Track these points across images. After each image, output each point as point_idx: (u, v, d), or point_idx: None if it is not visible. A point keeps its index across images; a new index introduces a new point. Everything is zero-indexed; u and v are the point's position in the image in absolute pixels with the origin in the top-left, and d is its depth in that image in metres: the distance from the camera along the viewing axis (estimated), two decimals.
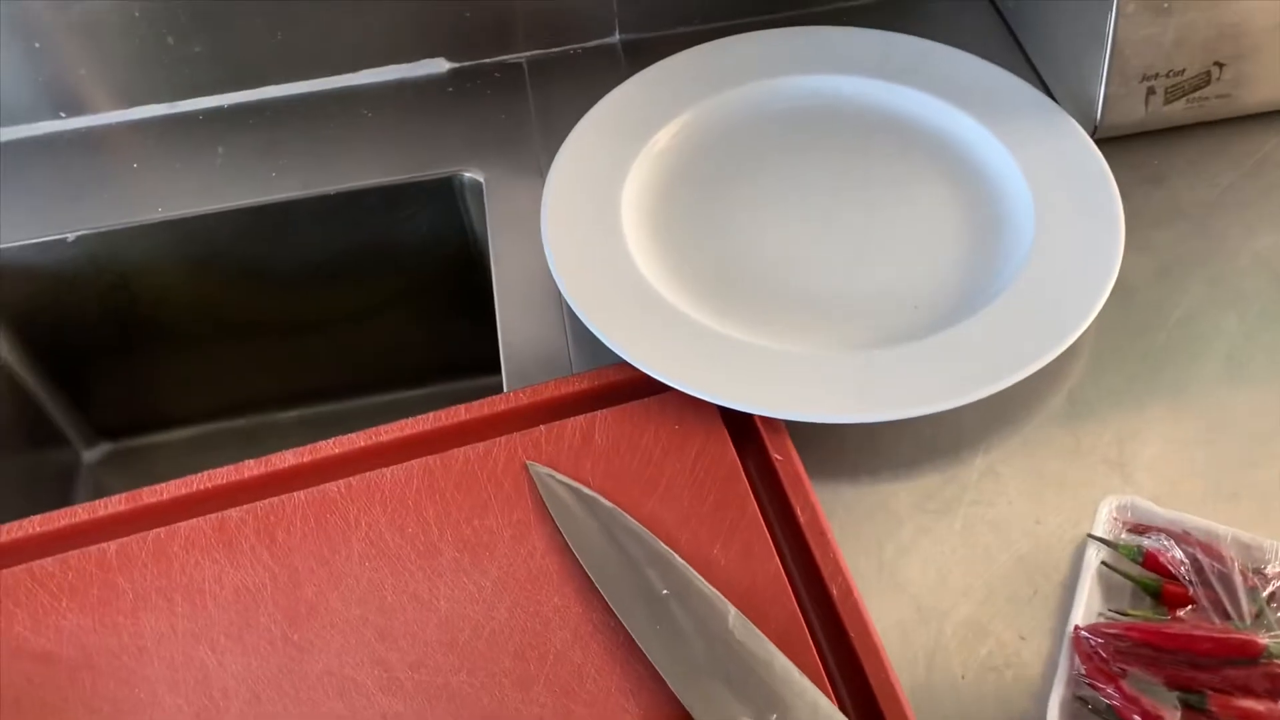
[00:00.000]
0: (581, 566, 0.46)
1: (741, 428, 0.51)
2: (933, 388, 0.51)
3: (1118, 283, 0.54)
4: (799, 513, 0.48)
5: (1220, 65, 0.61)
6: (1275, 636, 0.41)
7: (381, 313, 0.74)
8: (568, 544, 0.47)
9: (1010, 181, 0.60)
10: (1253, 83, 0.62)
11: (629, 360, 0.52)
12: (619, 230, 0.59)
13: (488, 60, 0.73)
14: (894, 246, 0.59)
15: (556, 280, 0.56)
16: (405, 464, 0.50)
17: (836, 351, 0.53)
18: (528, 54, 0.73)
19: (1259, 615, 0.42)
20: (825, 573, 0.46)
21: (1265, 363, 0.54)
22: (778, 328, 0.55)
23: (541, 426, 0.51)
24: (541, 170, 0.63)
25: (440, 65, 0.73)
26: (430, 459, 0.50)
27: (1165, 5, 0.57)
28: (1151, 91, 0.61)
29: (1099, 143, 0.61)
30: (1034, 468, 0.51)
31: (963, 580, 0.48)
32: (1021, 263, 0.55)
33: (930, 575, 0.48)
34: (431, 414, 0.52)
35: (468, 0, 0.71)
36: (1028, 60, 0.68)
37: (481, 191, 0.66)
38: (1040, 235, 0.56)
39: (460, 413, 0.52)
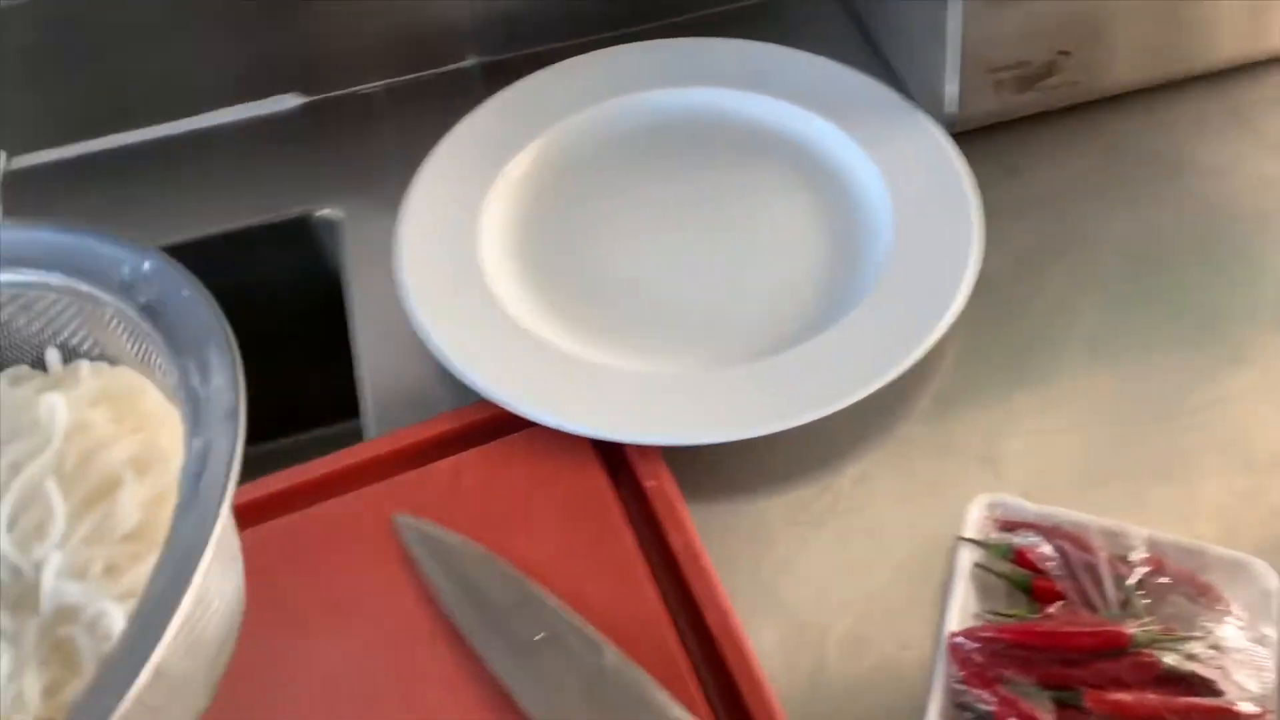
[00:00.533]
0: (453, 618, 0.45)
1: (614, 455, 0.50)
2: (801, 399, 0.50)
3: (980, 278, 0.54)
4: (674, 540, 0.47)
5: (1065, 53, 0.61)
6: (1142, 625, 0.41)
7: None
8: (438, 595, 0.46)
9: (868, 184, 0.60)
10: (1099, 68, 0.62)
11: (490, 397, 0.51)
12: (476, 260, 0.57)
13: (341, 92, 0.71)
14: (757, 258, 0.58)
15: (411, 317, 0.55)
16: (263, 525, 0.48)
17: (705, 370, 0.53)
18: (383, 83, 0.72)
19: (1126, 603, 0.43)
20: (702, 601, 0.45)
21: (1127, 345, 0.54)
22: (645, 350, 0.54)
23: (408, 474, 0.50)
24: (401, 203, 0.62)
25: (292, 101, 0.71)
26: (290, 518, 0.48)
27: None
28: (1001, 83, 0.62)
29: (958, 137, 0.62)
30: (906, 471, 0.51)
31: (842, 593, 0.47)
32: (882, 267, 0.55)
33: (810, 591, 0.47)
34: (288, 470, 0.50)
35: (315, 31, 0.69)
36: (884, 61, 0.68)
37: (340, 229, 0.64)
38: (900, 237, 0.56)
39: (319, 467, 0.50)
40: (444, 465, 0.50)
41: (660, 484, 0.48)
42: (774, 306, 0.56)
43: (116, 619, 0.34)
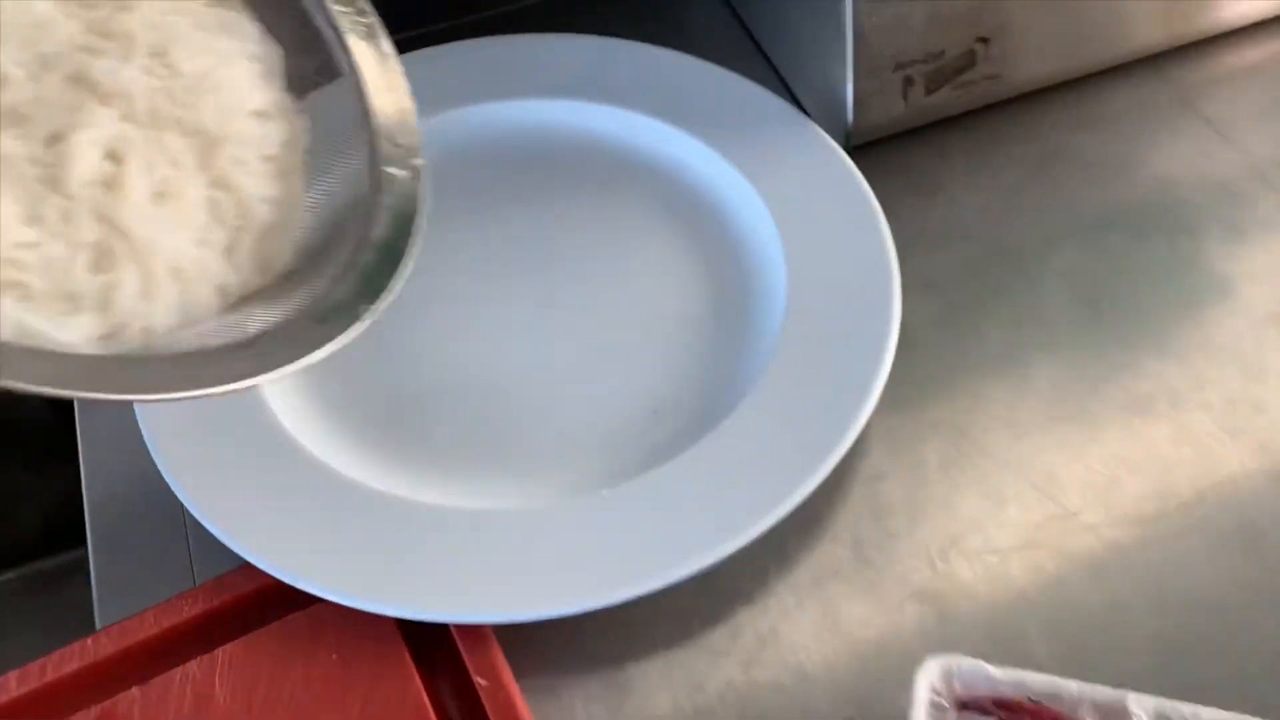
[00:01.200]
0: None
1: (429, 640, 0.36)
2: (683, 538, 0.37)
3: (901, 334, 0.42)
4: None
5: (984, 41, 0.49)
6: None
7: None
8: None
9: (753, 221, 0.46)
10: (1022, 57, 0.50)
11: (255, 561, 0.37)
12: None
13: None
14: (613, 335, 0.44)
15: (147, 442, 0.40)
16: None
17: (553, 501, 0.39)
18: None
19: None
20: None
21: (1094, 410, 0.43)
22: (473, 476, 0.40)
23: (135, 689, 0.35)
24: None
25: None
26: None
27: None
28: (909, 81, 0.49)
29: (857, 150, 0.49)
30: (828, 622, 0.38)
31: None
32: (774, 336, 0.42)
33: None
34: None
35: None
36: (768, 61, 0.55)
37: None
38: (795, 293, 0.43)
39: (8, 684, 0.35)
40: (190, 670, 0.35)
41: (495, 681, 0.35)
42: (644, 397, 0.42)
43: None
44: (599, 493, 0.39)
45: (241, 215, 0.34)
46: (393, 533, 0.38)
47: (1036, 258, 0.47)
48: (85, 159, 0.32)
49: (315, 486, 0.39)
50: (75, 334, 0.30)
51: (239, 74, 0.36)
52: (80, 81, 0.33)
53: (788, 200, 0.46)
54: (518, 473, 0.41)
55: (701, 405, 0.42)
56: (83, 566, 0.42)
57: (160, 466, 0.39)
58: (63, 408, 0.47)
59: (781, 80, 0.54)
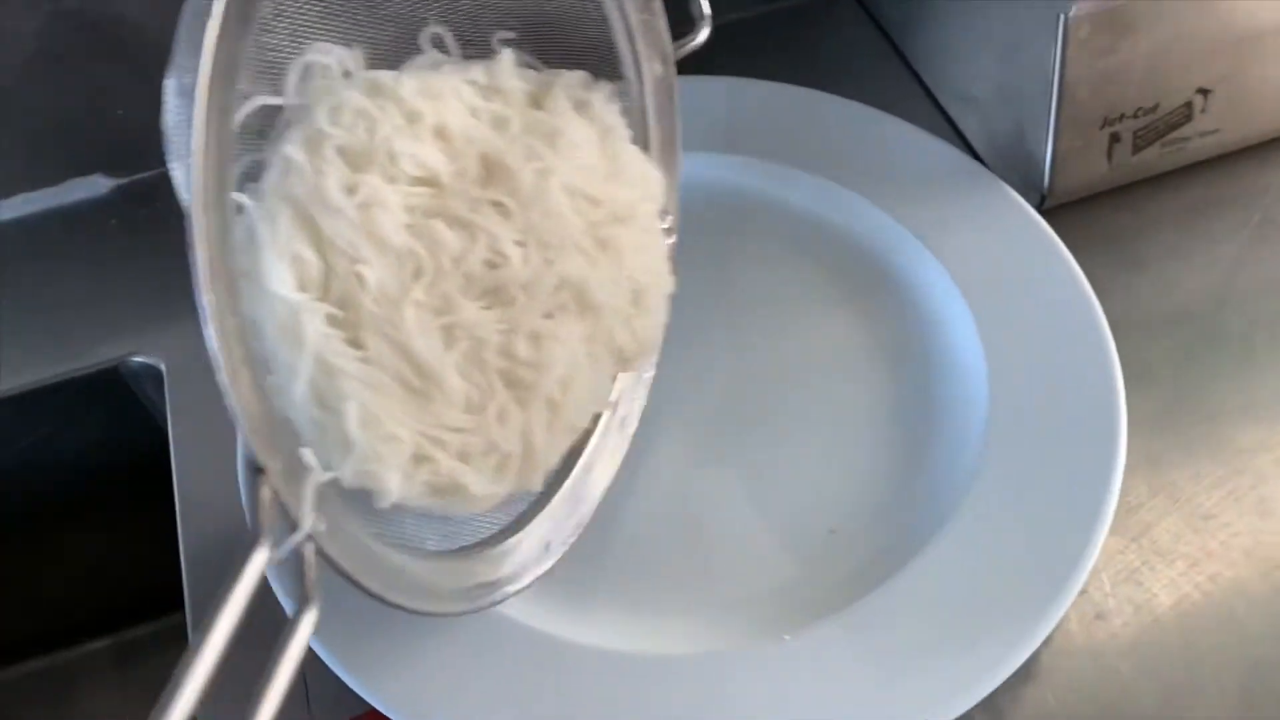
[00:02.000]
0: None
1: None
2: (895, 695, 0.31)
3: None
4: None
5: (1204, 92, 0.42)
6: None
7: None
8: None
9: (939, 299, 0.40)
10: (1245, 109, 0.44)
11: (382, 707, 0.32)
12: None
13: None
14: (793, 432, 0.39)
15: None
16: None
17: (736, 644, 0.33)
18: None
19: None
20: None
21: None
22: (631, 615, 0.35)
23: None
24: None
25: (99, 185, 0.50)
26: None
27: (1129, 21, 0.39)
28: (1115, 139, 0.43)
29: (1048, 214, 0.43)
30: None
31: None
32: (978, 442, 0.36)
33: None
34: None
35: (121, 84, 0.48)
36: (939, 110, 0.49)
37: (161, 380, 0.44)
38: (999, 388, 0.37)
39: None
40: None
41: None
42: (821, 512, 0.37)
43: None
44: (781, 638, 0.33)
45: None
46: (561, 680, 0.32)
47: (1266, 343, 0.41)
48: (554, 374, 0.30)
49: (484, 632, 0.34)
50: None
51: (659, 248, 0.34)
52: (566, 285, 0.30)
53: (978, 274, 0.40)
54: (682, 610, 0.35)
55: (891, 528, 0.36)
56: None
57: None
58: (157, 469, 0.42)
59: (957, 131, 0.48)
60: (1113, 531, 0.35)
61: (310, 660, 0.34)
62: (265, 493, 0.24)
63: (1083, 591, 0.35)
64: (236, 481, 0.37)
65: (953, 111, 0.48)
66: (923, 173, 0.43)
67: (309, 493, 0.25)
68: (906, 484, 0.37)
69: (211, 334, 0.24)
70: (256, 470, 0.24)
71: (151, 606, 0.53)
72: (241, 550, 0.24)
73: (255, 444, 0.24)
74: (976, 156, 0.45)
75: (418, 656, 0.33)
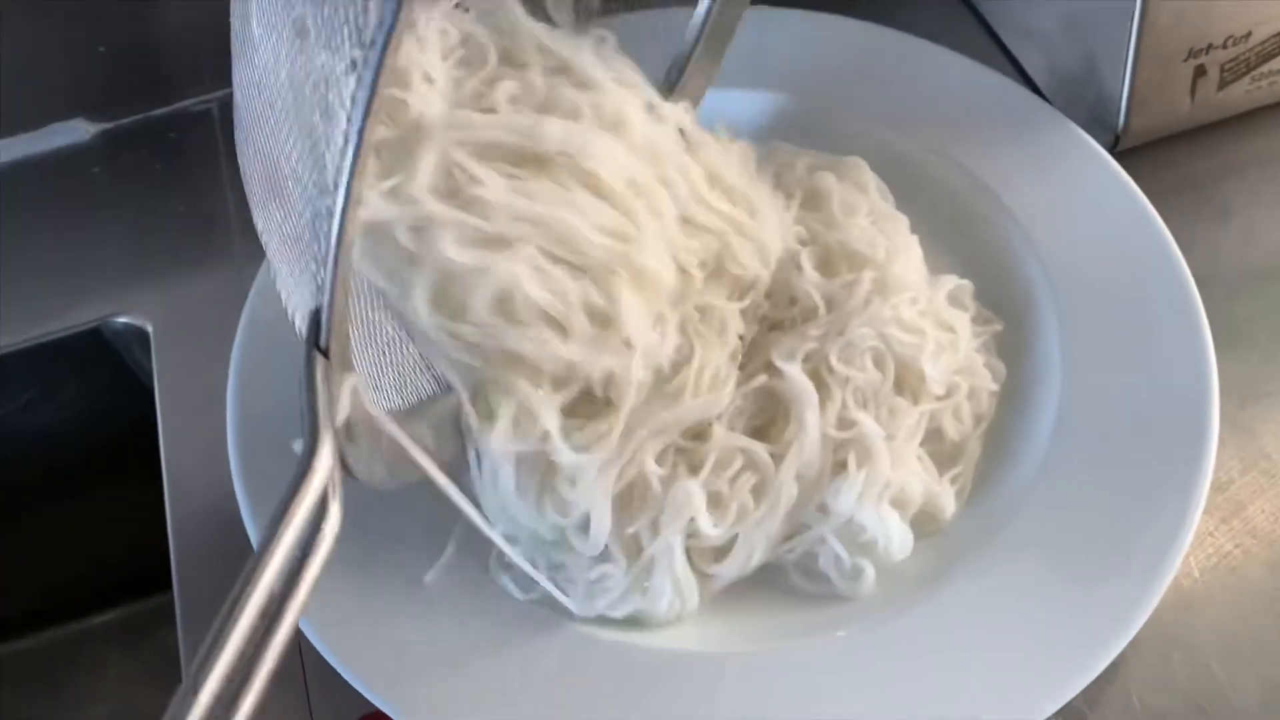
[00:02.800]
0: None
1: None
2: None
3: None
4: None
5: None
6: None
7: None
8: None
9: (1010, 260, 0.36)
10: None
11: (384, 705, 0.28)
12: None
13: (157, 112, 0.47)
14: None
15: (247, 525, 0.32)
16: None
17: (783, 641, 0.30)
18: (219, 93, 0.47)
19: None
20: None
21: None
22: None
23: None
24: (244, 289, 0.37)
25: (80, 130, 0.46)
26: None
27: None
28: (1201, 72, 0.38)
29: (1120, 157, 0.38)
30: None
31: None
32: (1053, 416, 0.32)
33: None
34: None
35: (104, 23, 0.44)
36: (995, 40, 0.44)
37: (148, 342, 0.40)
38: (1071, 355, 0.33)
39: None
40: None
41: None
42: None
43: None
44: (834, 634, 0.29)
45: None
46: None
47: None
48: None
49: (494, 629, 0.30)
50: None
51: None
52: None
53: (1048, 223, 0.36)
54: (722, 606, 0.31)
55: (960, 510, 0.32)
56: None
57: None
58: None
59: (1018, 68, 0.43)
60: (1202, 512, 0.32)
61: (312, 660, 0.30)
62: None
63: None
64: (227, 452, 0.33)
65: (1013, 46, 0.44)
66: (983, 111, 0.39)
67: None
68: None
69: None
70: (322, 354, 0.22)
71: (140, 583, 0.50)
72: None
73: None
74: (1040, 95, 0.41)
75: (421, 654, 0.29)
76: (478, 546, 0.31)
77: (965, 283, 0.35)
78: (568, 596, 0.30)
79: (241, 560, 0.31)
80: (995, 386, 0.34)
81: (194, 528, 0.36)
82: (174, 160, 0.45)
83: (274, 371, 0.34)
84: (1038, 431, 0.32)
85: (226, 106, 0.46)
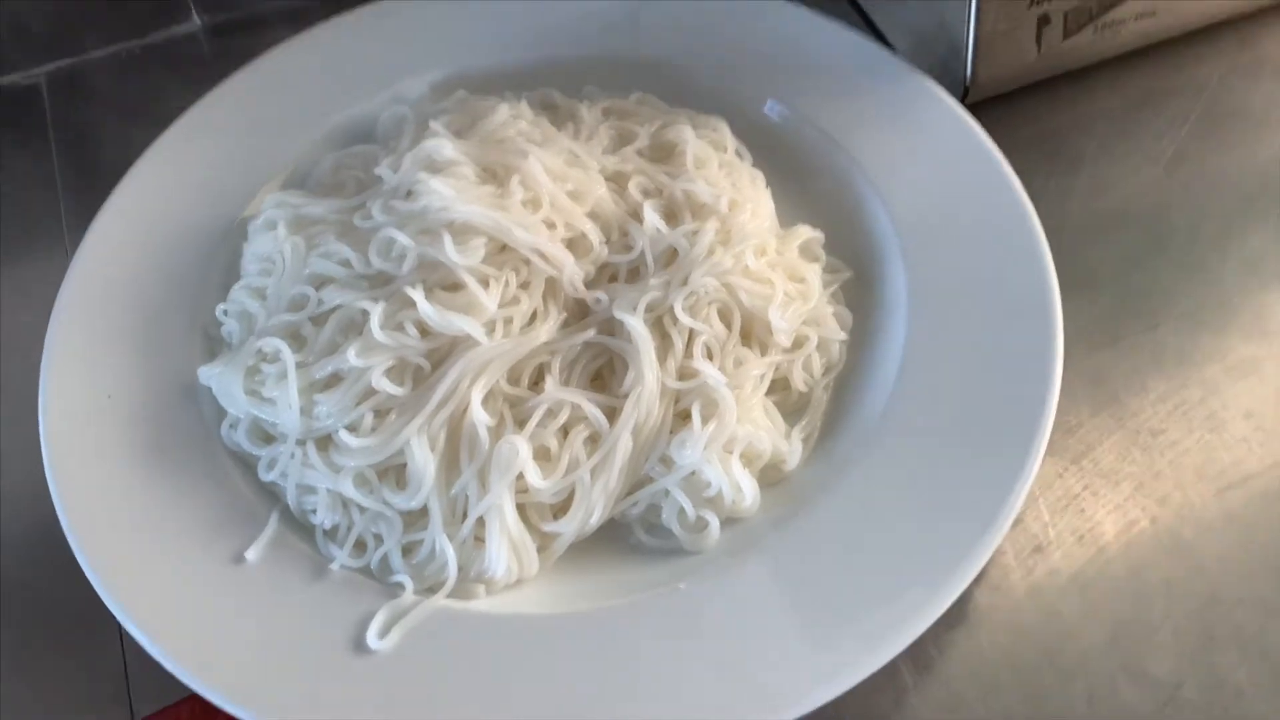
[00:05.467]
0: None
1: None
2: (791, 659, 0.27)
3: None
4: None
5: None
6: None
7: None
8: None
9: (859, 210, 0.36)
10: None
11: (208, 694, 0.26)
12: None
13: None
14: None
15: (58, 508, 0.30)
16: None
17: (631, 598, 0.29)
18: (48, 67, 0.45)
19: None
20: None
21: None
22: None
23: None
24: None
25: None
26: None
27: None
28: (1045, 21, 0.38)
29: (971, 109, 0.38)
30: None
31: None
32: (896, 359, 0.32)
33: None
34: None
35: None
36: (853, 3, 0.44)
37: None
38: (918, 301, 0.33)
39: None
40: None
41: None
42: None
43: None
44: (676, 586, 0.28)
45: None
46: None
47: (1213, 245, 0.37)
48: None
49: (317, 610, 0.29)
50: None
51: None
52: None
53: (896, 173, 0.36)
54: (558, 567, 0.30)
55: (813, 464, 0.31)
56: None
57: (92, 576, 0.29)
58: None
59: (867, 22, 0.43)
60: (1050, 454, 0.32)
61: (133, 647, 0.29)
62: None
63: (1018, 522, 0.31)
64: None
65: (868, 7, 0.43)
66: (832, 65, 0.39)
67: None
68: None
69: None
70: None
71: None
72: None
73: None
74: (889, 47, 0.40)
75: (244, 635, 0.27)
76: (297, 522, 0.30)
77: (817, 234, 0.35)
78: (393, 565, 0.28)
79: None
80: (844, 336, 0.33)
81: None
82: None
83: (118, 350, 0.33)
84: (882, 378, 0.32)
85: (57, 80, 0.44)
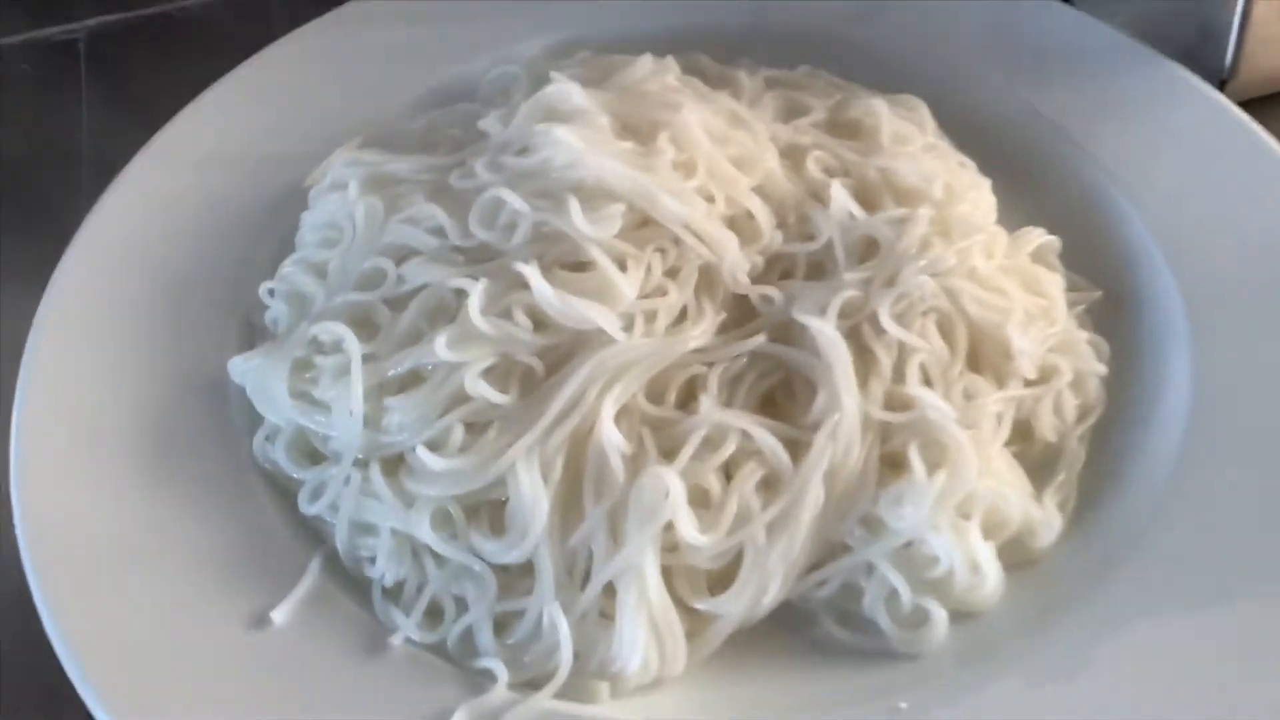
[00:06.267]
0: None
1: None
2: None
3: None
4: None
5: None
6: None
7: None
8: None
9: (1111, 223, 0.28)
10: None
11: None
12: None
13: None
14: None
15: (26, 564, 0.22)
16: None
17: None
18: (92, 22, 0.38)
19: None
20: None
21: None
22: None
23: None
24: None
25: None
26: None
27: None
28: None
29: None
30: None
31: None
32: (1176, 438, 0.23)
33: None
34: None
35: None
36: None
37: None
38: (1203, 362, 0.24)
39: None
40: None
41: None
42: None
43: None
44: (892, 704, 0.19)
45: None
46: None
47: None
48: None
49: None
50: None
51: None
52: None
53: (1154, 179, 0.28)
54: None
55: (1061, 547, 0.22)
56: None
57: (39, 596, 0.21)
58: None
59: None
60: None
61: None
62: None
63: None
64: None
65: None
66: (1045, 44, 0.31)
67: None
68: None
69: None
70: None
71: None
72: None
73: None
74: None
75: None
76: (348, 573, 0.22)
77: (1053, 238, 0.26)
78: (479, 643, 0.20)
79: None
80: (1104, 369, 0.24)
81: None
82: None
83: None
84: (1161, 426, 0.23)
85: (94, 38, 0.38)
